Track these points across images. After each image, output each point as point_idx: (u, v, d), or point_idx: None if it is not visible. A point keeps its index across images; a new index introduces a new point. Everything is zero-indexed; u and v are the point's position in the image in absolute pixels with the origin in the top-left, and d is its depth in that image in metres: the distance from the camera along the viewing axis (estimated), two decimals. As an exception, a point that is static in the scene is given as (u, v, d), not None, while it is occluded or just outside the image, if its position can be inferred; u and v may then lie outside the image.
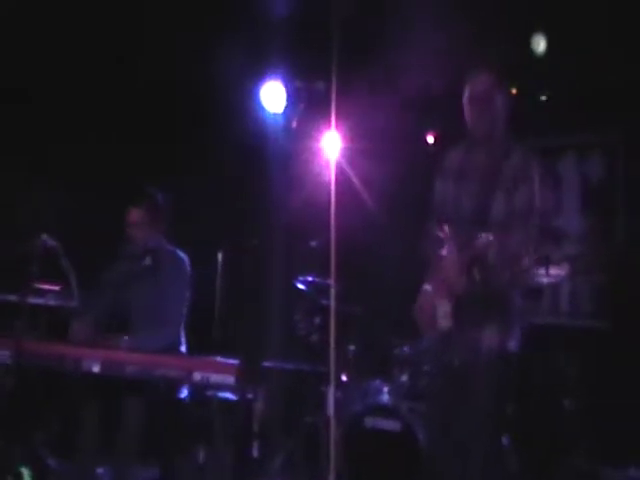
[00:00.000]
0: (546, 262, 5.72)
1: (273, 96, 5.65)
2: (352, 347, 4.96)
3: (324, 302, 4.90)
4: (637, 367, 5.35)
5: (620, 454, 5.09)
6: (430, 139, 5.76)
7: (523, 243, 3.45)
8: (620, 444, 5.10)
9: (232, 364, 4.08)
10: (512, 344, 3.60)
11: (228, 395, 4.42)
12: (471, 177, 3.60)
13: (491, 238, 3.36)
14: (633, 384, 5.27)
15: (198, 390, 4.26)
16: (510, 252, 3.42)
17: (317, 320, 4.98)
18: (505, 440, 4.63)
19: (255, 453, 4.72)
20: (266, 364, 5.18)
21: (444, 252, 3.63)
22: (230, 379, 4.01)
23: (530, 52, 5.74)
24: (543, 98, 6.16)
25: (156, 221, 4.55)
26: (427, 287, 3.75)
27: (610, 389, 5.35)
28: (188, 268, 4.56)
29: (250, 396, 4.65)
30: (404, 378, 4.85)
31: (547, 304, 6.15)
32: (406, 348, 4.87)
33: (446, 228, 3.61)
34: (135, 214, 4.53)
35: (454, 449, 3.59)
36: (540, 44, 5.76)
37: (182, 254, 4.60)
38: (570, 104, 6.05)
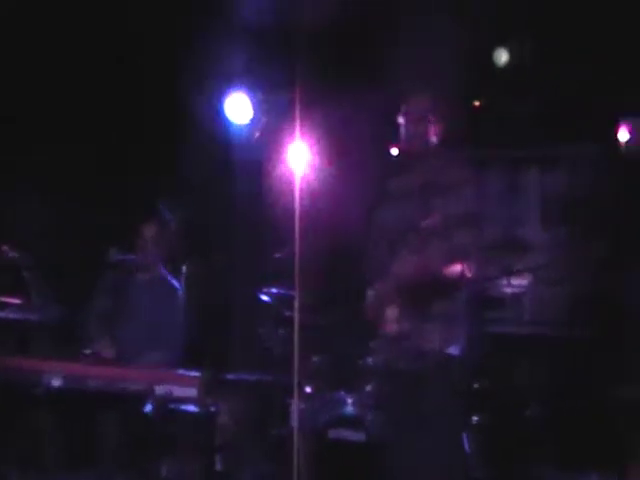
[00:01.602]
0: (508, 273, 5.98)
1: (238, 108, 5.65)
2: (316, 358, 4.97)
3: (288, 313, 4.88)
4: (599, 374, 5.39)
5: (583, 461, 5.14)
6: (394, 151, 5.78)
7: (462, 248, 3.58)
8: (583, 451, 5.14)
9: (194, 377, 4.10)
10: (454, 349, 3.73)
11: (191, 408, 4.40)
12: (411, 193, 3.80)
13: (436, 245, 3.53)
14: (596, 391, 5.31)
15: (161, 403, 4.25)
16: (450, 257, 3.59)
17: (281, 331, 4.97)
18: (469, 446, 4.66)
19: (219, 466, 4.71)
20: (230, 376, 5.18)
21: (392, 264, 3.79)
22: (193, 392, 4.07)
23: (493, 65, 5.85)
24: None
25: (164, 238, 4.77)
26: (371, 293, 3.90)
27: (573, 397, 5.40)
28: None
29: (213, 409, 4.61)
30: (368, 388, 4.86)
31: (510, 314, 6.20)
32: (370, 358, 4.87)
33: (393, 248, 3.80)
34: (149, 229, 4.76)
35: (415, 455, 3.67)
36: (502, 57, 5.85)
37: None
38: (533, 118, 6.12)
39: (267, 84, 5.62)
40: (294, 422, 4.33)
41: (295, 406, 4.04)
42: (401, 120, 3.93)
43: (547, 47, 5.63)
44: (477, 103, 6.22)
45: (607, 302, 5.61)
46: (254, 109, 5.66)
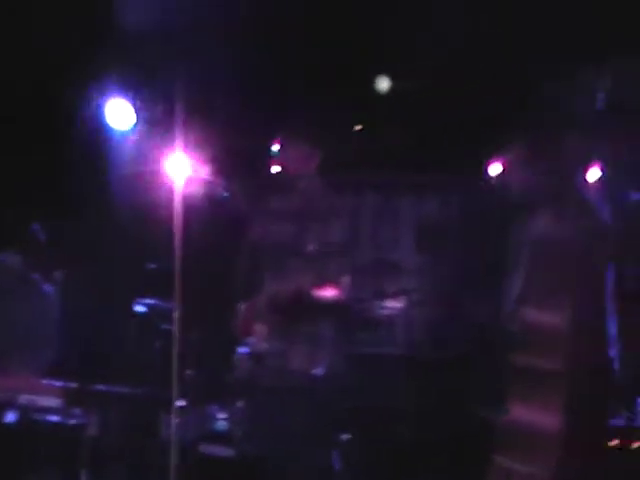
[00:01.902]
0: (382, 295, 6.10)
1: (119, 114, 5.53)
2: (190, 372, 4.88)
3: (164, 326, 4.76)
4: (462, 395, 5.53)
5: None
6: (275, 168, 5.81)
7: (337, 271, 3.74)
8: (452, 471, 5.22)
9: (61, 386, 3.92)
10: (319, 371, 3.83)
11: (56, 419, 4.27)
12: (288, 217, 3.89)
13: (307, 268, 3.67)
14: (465, 412, 5.42)
15: (24, 413, 4.13)
16: (323, 282, 3.71)
17: (157, 344, 4.89)
18: (338, 464, 4.65)
19: None
20: (101, 387, 5.00)
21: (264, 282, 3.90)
22: (58, 402, 4.01)
23: (374, 91, 6.00)
24: (385, 136, 6.43)
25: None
26: (241, 308, 3.98)
27: (440, 417, 5.51)
28: None
29: (81, 420, 4.44)
30: (240, 404, 4.80)
31: (384, 335, 6.28)
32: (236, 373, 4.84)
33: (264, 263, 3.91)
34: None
35: (282, 473, 3.75)
36: (383, 83, 6.02)
37: None
38: (409, 145, 6.37)
39: (149, 92, 5.55)
40: (167, 436, 4.19)
41: (173, 420, 3.91)
42: (278, 142, 4.03)
43: (430, 78, 5.78)
44: (358, 127, 6.42)
45: (469, 324, 5.82)
46: (136, 116, 5.56)
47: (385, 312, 5.97)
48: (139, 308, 5.05)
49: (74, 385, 4.15)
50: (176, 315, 3.81)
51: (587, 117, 3.54)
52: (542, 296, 3.30)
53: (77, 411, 4.34)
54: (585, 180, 3.55)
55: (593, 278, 3.37)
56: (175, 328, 3.79)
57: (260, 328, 3.82)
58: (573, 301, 3.24)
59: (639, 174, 5.11)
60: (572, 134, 3.46)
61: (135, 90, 5.54)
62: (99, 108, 5.57)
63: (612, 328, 3.54)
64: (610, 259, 3.50)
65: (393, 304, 6.08)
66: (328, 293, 3.74)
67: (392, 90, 6.00)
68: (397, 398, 5.83)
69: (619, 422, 4.82)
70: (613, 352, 3.52)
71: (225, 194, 5.47)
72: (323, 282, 3.73)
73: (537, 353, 3.27)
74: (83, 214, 5.74)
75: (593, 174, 5.49)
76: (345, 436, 5.04)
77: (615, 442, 4.75)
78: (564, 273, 3.27)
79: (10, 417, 4.20)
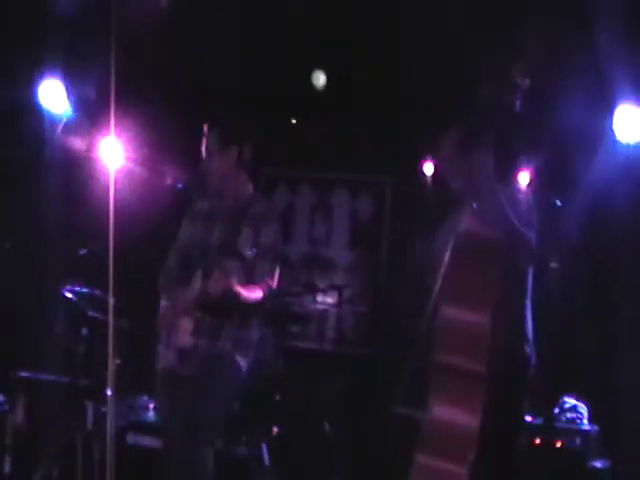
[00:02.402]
0: (313, 290, 6.08)
1: (53, 96, 5.41)
2: (119, 361, 4.78)
3: (91, 313, 4.74)
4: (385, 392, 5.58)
5: (376, 478, 5.24)
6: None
7: (267, 273, 3.78)
8: (377, 468, 5.22)
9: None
10: (244, 364, 3.87)
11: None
12: (219, 219, 3.89)
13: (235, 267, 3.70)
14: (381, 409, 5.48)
15: None
16: (252, 282, 3.76)
17: (84, 331, 4.78)
18: (267, 458, 4.72)
19: (7, 468, 4.49)
20: (24, 374, 4.90)
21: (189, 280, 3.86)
22: None
23: (311, 86, 5.95)
24: (321, 132, 6.40)
25: None
26: (165, 303, 3.96)
27: (370, 414, 5.51)
28: None
29: (4, 407, 4.33)
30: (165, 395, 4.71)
31: (314, 330, 6.36)
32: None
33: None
34: None
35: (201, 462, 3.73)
36: (320, 79, 5.96)
37: None
38: (346, 142, 6.37)
39: (83, 76, 5.40)
40: (93, 425, 4.32)
41: (110, 410, 3.81)
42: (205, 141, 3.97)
43: (364, 75, 5.81)
44: (293, 121, 6.40)
45: (390, 321, 5.85)
46: (69, 100, 5.45)
47: (316, 307, 5.91)
48: (67, 294, 4.89)
49: (-3, 371, 3.98)
50: (111, 303, 3.71)
51: (511, 119, 3.57)
52: (461, 294, 3.31)
53: (0, 397, 4.18)
54: (511, 183, 3.55)
55: (513, 277, 3.40)
56: (109, 317, 3.69)
57: (187, 323, 3.80)
58: (492, 300, 3.25)
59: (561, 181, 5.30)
60: (492, 135, 3.38)
61: (69, 72, 5.43)
62: (33, 90, 5.45)
63: (530, 327, 3.51)
64: (531, 260, 3.50)
65: (325, 299, 6.08)
66: (256, 293, 3.77)
67: (327, 86, 5.96)
68: (324, 393, 5.88)
69: (540, 421, 5.04)
70: (531, 350, 3.48)
71: (160, 183, 5.43)
72: (252, 282, 3.78)
73: (456, 351, 3.29)
74: (15, 197, 5.60)
75: (523, 178, 5.76)
76: (275, 428, 5.06)
77: (537, 441, 4.97)
78: (484, 271, 3.30)
79: None
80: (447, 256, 3.40)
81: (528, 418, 5.06)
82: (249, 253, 3.70)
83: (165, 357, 3.84)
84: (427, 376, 3.34)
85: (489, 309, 3.25)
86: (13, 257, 5.08)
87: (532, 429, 5.01)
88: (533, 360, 3.55)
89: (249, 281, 3.73)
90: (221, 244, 3.81)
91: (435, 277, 3.43)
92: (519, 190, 3.60)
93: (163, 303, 3.94)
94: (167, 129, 5.74)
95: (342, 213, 6.66)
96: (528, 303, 3.56)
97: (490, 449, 3.23)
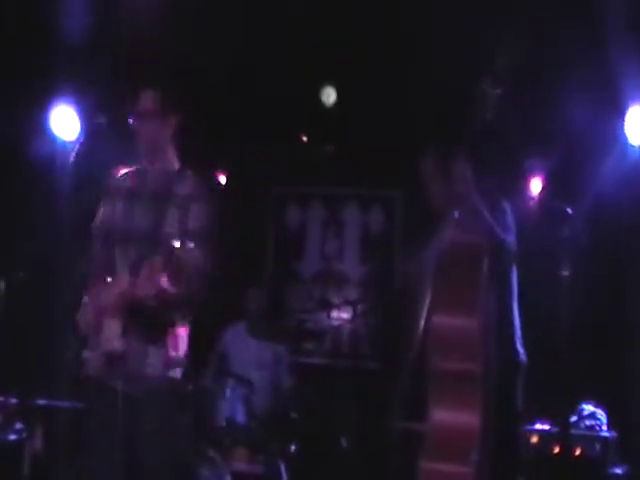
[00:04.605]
0: (327, 306, 6.11)
1: (64, 123, 5.45)
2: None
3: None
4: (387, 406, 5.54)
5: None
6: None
7: (198, 263, 3.27)
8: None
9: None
10: (176, 372, 3.43)
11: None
12: (143, 199, 3.47)
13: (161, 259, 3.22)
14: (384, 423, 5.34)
15: None
16: (180, 274, 3.23)
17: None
18: (285, 476, 4.71)
19: None
20: (41, 402, 4.87)
21: (113, 271, 3.44)
22: None
23: (320, 103, 5.93)
24: (330, 148, 6.43)
25: None
26: (86, 300, 3.48)
27: (374, 428, 5.30)
28: None
29: (22, 435, 4.32)
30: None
31: (329, 346, 6.35)
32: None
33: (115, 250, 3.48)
34: None
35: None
36: (330, 96, 5.93)
37: None
38: (356, 157, 6.31)
39: (94, 103, 5.33)
40: None
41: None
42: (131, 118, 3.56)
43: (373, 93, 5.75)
44: (305, 138, 6.37)
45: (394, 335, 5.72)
46: (81, 126, 5.47)
47: (331, 323, 5.98)
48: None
49: (14, 399, 3.96)
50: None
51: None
52: (450, 300, 3.41)
53: (19, 425, 4.17)
54: (490, 190, 3.57)
55: (496, 278, 3.51)
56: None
57: (113, 324, 3.30)
58: (479, 302, 3.37)
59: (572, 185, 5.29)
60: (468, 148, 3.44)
61: (81, 98, 5.45)
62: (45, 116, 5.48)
63: (518, 325, 3.60)
64: (512, 261, 3.59)
65: (339, 315, 6.09)
66: (187, 289, 3.29)
67: (336, 101, 5.95)
68: (341, 409, 5.75)
69: (558, 429, 5.01)
70: (520, 347, 3.59)
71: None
72: (181, 277, 3.24)
73: (450, 355, 3.37)
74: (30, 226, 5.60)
75: (534, 186, 5.73)
76: (291, 447, 5.04)
77: (556, 449, 4.93)
78: (469, 275, 3.40)
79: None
80: (434, 267, 3.51)
81: (546, 427, 5.08)
82: (178, 240, 3.17)
83: (91, 363, 3.38)
84: (424, 385, 3.41)
85: (478, 311, 3.36)
86: (27, 285, 5.00)
87: (551, 437, 5.00)
88: (523, 357, 3.63)
89: (178, 273, 3.19)
90: (146, 230, 3.39)
91: (422, 289, 3.52)
92: (497, 196, 3.68)
93: (85, 299, 3.45)
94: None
95: (354, 228, 6.65)
96: (514, 303, 3.65)
97: (492, 447, 3.30)
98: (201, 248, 3.25)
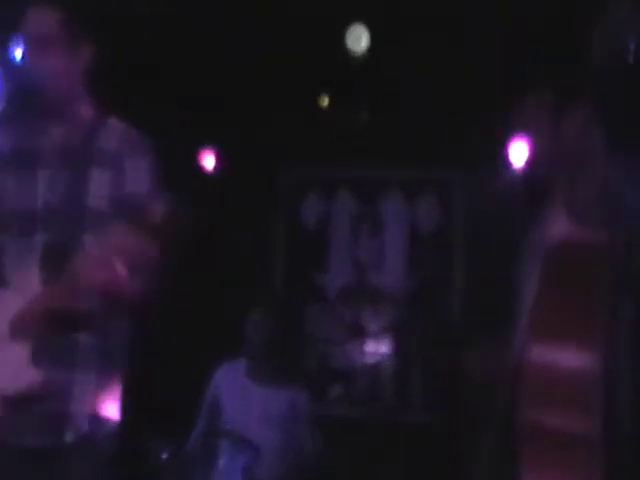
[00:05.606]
0: (361, 335, 5.47)
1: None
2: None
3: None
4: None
5: None
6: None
7: (135, 247, 2.63)
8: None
9: None
10: (111, 409, 2.81)
11: None
12: (45, 162, 2.89)
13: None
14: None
15: None
16: (113, 261, 2.58)
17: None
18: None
19: None
20: None
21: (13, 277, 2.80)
22: None
23: (347, 50, 5.04)
24: (361, 115, 5.73)
25: None
26: None
27: None
28: None
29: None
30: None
31: (363, 392, 5.59)
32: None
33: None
34: None
35: None
36: (360, 40, 5.04)
37: None
38: (397, 126, 5.52)
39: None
40: None
41: None
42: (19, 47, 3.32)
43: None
44: (326, 101, 5.56)
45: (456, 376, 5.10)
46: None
47: (365, 359, 5.44)
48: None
49: None
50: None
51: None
52: (559, 328, 2.64)
53: None
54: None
55: (637, 294, 2.70)
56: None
57: (18, 350, 2.65)
58: (604, 335, 2.61)
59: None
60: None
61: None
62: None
63: None
64: None
65: (377, 347, 5.53)
66: (122, 284, 2.62)
67: (369, 50, 5.08)
68: (383, 478, 5.25)
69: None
70: None
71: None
72: (116, 265, 2.60)
73: (557, 409, 2.59)
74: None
75: None
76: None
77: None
78: (589, 294, 2.65)
79: None
80: (536, 279, 2.71)
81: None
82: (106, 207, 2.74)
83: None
84: (515, 448, 2.58)
85: (599, 342, 2.58)
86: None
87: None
88: None
89: (106, 262, 2.60)
90: (57, 205, 2.85)
91: (520, 309, 2.73)
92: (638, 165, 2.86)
93: None
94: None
95: (396, 225, 5.98)
96: None
97: None
98: (141, 218, 2.65)
